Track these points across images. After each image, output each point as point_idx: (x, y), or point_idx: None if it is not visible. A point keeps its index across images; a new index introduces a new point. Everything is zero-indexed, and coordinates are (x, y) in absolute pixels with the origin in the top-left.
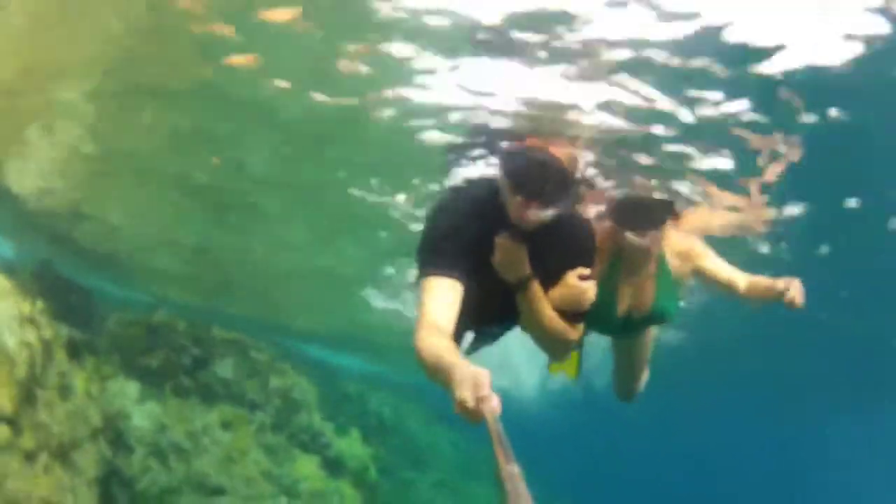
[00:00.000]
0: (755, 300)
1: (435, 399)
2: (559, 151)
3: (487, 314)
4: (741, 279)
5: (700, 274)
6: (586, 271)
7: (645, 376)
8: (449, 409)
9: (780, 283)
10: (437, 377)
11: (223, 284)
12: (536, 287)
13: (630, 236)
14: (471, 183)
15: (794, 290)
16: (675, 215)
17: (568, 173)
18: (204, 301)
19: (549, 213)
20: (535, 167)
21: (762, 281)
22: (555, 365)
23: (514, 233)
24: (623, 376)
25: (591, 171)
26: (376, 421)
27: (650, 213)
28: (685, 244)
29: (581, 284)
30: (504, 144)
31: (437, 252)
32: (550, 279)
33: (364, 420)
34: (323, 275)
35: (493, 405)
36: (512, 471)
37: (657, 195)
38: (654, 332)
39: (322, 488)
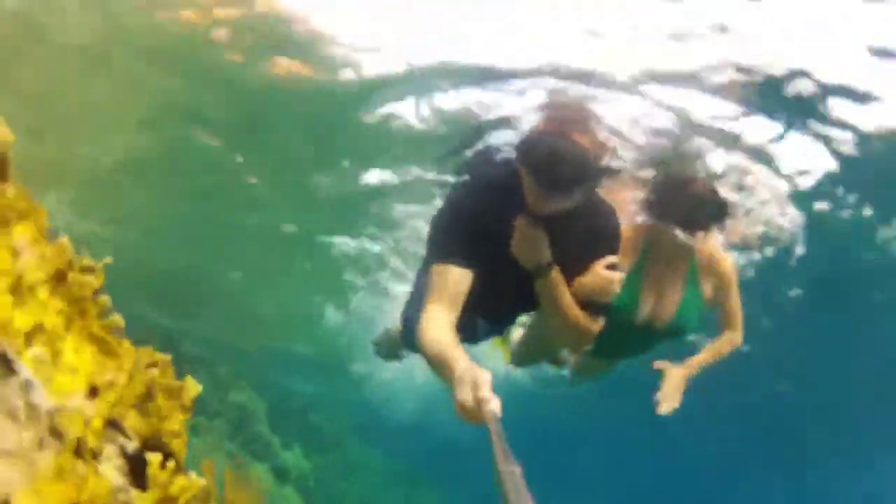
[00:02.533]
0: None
1: (370, 415)
2: (583, 136)
3: (502, 301)
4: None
5: (718, 306)
6: (614, 260)
7: None
8: (382, 425)
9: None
10: (438, 372)
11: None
12: (556, 274)
13: (678, 234)
14: (491, 165)
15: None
16: (725, 220)
17: (589, 160)
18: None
19: (567, 203)
20: (552, 155)
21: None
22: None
23: (534, 217)
24: (534, 355)
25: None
26: (316, 435)
27: (706, 213)
28: (722, 263)
29: (610, 274)
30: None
31: (449, 237)
32: (571, 267)
33: (306, 434)
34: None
35: (493, 406)
36: (513, 471)
37: (714, 192)
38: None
39: (273, 492)
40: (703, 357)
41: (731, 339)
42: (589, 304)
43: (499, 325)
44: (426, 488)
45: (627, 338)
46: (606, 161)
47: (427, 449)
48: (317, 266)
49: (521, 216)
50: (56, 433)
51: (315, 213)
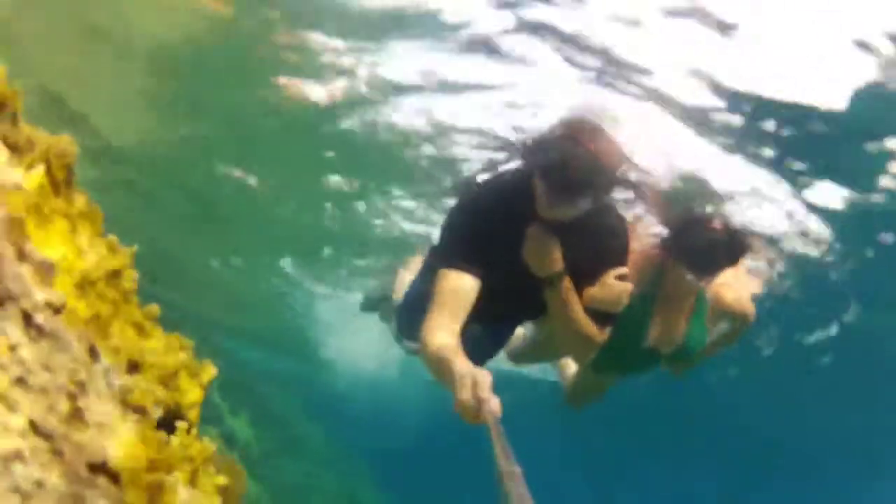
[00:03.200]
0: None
1: (314, 394)
2: (596, 145)
3: (507, 308)
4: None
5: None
6: (624, 271)
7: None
8: (323, 404)
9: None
10: (439, 375)
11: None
12: (568, 283)
13: (689, 277)
14: (505, 173)
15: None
16: (739, 262)
17: (600, 167)
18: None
19: (576, 209)
20: (564, 159)
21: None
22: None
23: (547, 225)
24: (535, 359)
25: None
26: (265, 408)
27: (718, 258)
28: (733, 307)
29: (620, 285)
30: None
31: (459, 244)
32: (581, 276)
33: (255, 406)
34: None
35: (493, 406)
36: (513, 471)
37: (730, 234)
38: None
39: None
40: (715, 344)
41: (743, 326)
42: (596, 314)
43: (499, 336)
44: (363, 478)
45: (632, 357)
46: (620, 172)
47: (375, 441)
48: (291, 247)
49: (534, 224)
50: (133, 407)
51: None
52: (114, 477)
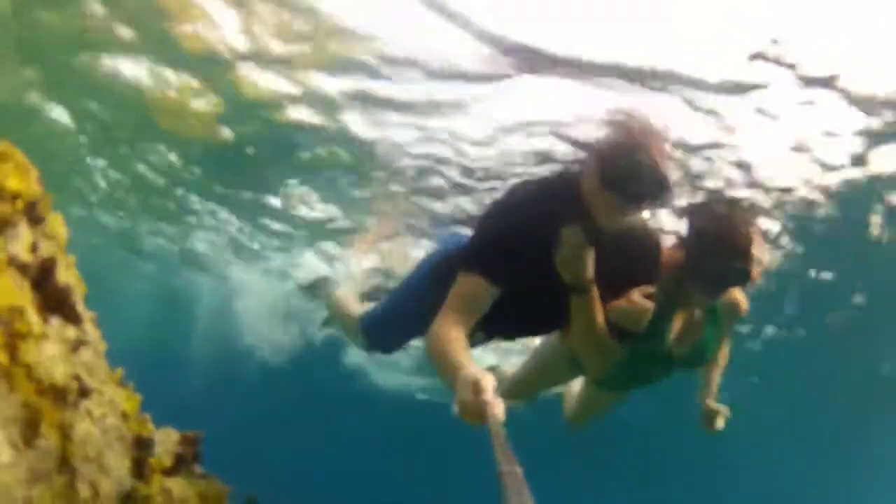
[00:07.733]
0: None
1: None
2: (663, 150)
3: (532, 315)
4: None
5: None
6: (650, 290)
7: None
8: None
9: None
10: (441, 373)
11: None
12: (595, 293)
13: (699, 295)
14: (547, 177)
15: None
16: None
17: (667, 177)
18: None
19: (644, 217)
20: (637, 169)
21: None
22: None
23: (585, 230)
24: (587, 412)
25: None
26: None
27: (730, 282)
28: (740, 306)
29: (644, 303)
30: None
31: (486, 251)
32: (609, 289)
33: None
34: None
35: (495, 408)
36: (514, 472)
37: (747, 257)
38: None
39: None
40: (717, 380)
41: (726, 353)
42: (616, 329)
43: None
44: None
45: (650, 366)
46: (672, 176)
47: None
48: None
49: (573, 227)
50: None
51: None
52: None
